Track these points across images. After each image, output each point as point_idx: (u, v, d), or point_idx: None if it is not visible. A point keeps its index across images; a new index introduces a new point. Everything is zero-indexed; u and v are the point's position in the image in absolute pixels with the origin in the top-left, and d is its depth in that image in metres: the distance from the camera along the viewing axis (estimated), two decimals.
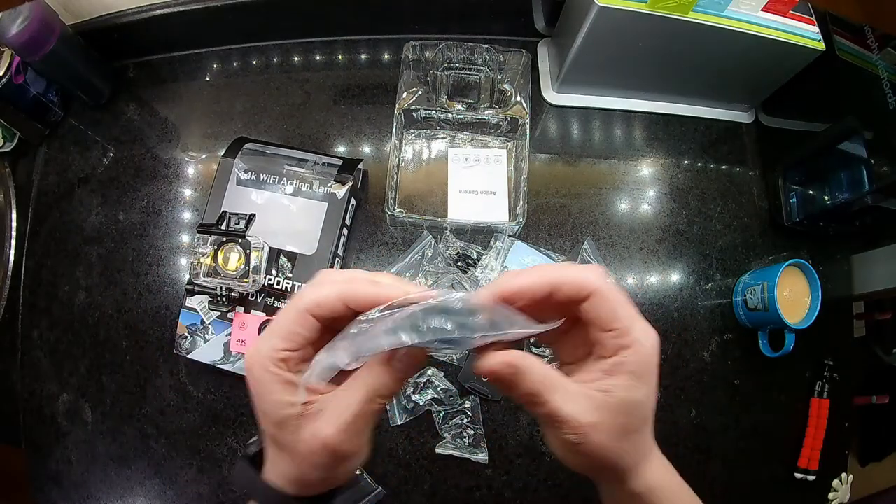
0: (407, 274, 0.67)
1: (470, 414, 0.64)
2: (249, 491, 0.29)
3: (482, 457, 0.63)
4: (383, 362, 0.28)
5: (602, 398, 0.27)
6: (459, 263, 0.67)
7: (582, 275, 0.27)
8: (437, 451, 0.63)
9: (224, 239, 0.61)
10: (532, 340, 0.37)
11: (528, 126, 0.69)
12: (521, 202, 0.66)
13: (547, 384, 0.27)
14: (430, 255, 0.66)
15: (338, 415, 0.27)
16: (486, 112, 0.70)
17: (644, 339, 0.28)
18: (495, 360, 0.27)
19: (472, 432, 0.63)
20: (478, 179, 0.70)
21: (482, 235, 0.69)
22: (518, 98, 0.70)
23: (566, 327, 0.29)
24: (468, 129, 0.72)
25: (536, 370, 0.27)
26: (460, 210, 0.69)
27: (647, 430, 0.31)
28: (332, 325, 0.28)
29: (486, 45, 0.70)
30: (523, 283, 0.27)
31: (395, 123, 0.68)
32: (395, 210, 0.66)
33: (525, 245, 0.67)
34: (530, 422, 0.65)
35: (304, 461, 0.27)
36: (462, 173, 0.71)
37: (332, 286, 0.27)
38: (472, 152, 0.72)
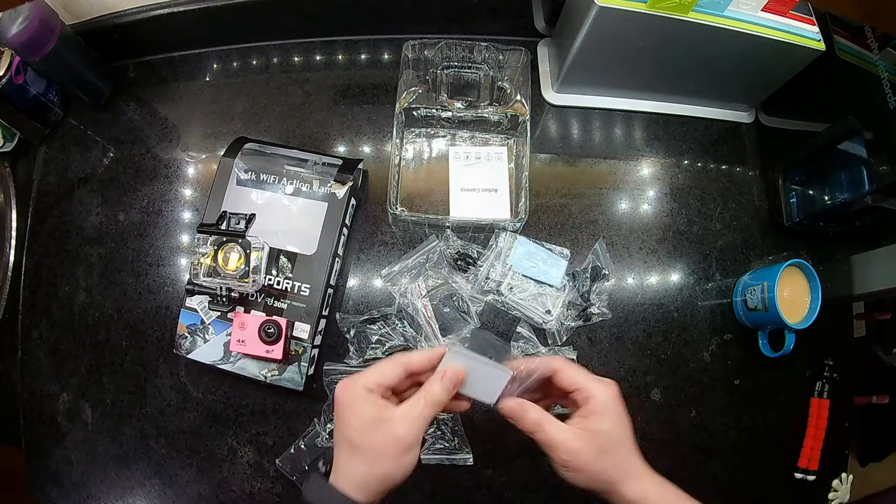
0: (409, 274, 0.67)
1: (448, 417, 0.63)
2: (323, 499, 0.38)
3: (467, 457, 0.63)
4: (437, 379, 0.42)
5: (580, 431, 0.42)
6: (459, 262, 0.67)
7: (546, 362, 0.45)
8: (422, 458, 0.62)
9: (224, 239, 0.61)
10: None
11: (528, 123, 0.69)
12: (523, 199, 0.67)
13: (543, 419, 0.43)
14: (434, 258, 0.66)
15: (405, 417, 0.40)
16: (487, 110, 0.70)
17: (597, 391, 0.43)
18: (512, 401, 0.45)
19: (452, 435, 0.63)
20: (479, 177, 0.70)
21: (483, 234, 0.69)
22: (518, 96, 0.70)
23: (563, 395, 0.45)
24: (468, 127, 0.72)
25: (536, 410, 0.44)
26: (462, 208, 0.69)
27: (626, 452, 0.43)
28: (400, 385, 0.44)
29: (486, 44, 0.70)
30: (521, 365, 0.45)
31: (395, 122, 0.68)
32: (396, 209, 0.66)
33: (527, 239, 0.67)
34: None
35: (378, 454, 0.39)
36: (463, 171, 0.71)
37: (422, 353, 0.44)
38: (472, 150, 0.72)
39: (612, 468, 0.42)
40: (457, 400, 0.45)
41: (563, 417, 0.45)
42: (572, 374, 0.44)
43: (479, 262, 0.66)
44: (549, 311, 0.65)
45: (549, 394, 0.47)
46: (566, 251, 0.68)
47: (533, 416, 0.43)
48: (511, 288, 0.65)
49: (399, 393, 0.45)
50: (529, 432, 0.43)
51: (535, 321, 0.66)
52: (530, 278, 0.66)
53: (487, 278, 0.66)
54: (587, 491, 0.42)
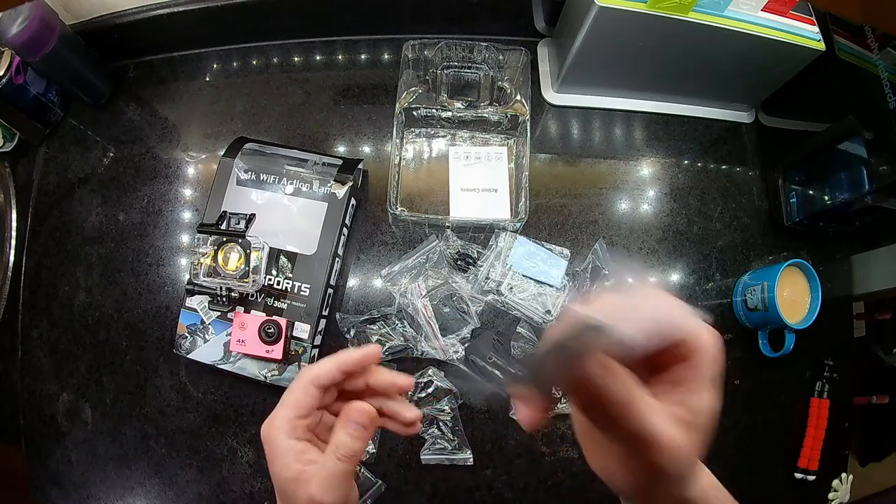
0: (409, 274, 0.67)
1: (449, 418, 0.64)
2: None
3: (466, 456, 0.63)
4: (341, 425, 0.35)
5: (683, 413, 0.25)
6: (459, 262, 0.67)
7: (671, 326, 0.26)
8: (422, 458, 0.63)
9: (224, 239, 0.61)
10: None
11: (528, 123, 0.69)
12: (523, 199, 0.67)
13: (637, 394, 0.23)
14: (434, 258, 0.66)
15: (322, 480, 0.33)
16: (487, 110, 0.70)
17: (707, 341, 0.27)
18: (598, 360, 0.23)
19: (452, 435, 0.63)
20: (479, 177, 0.70)
21: (483, 234, 0.69)
22: (518, 96, 0.70)
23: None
24: (468, 127, 0.72)
25: (621, 375, 0.23)
26: (462, 208, 0.69)
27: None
28: (335, 390, 0.37)
29: (486, 44, 0.70)
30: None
31: (395, 122, 0.68)
32: (396, 209, 0.66)
33: (527, 239, 0.67)
34: None
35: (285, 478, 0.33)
36: (463, 171, 0.71)
37: (327, 361, 0.35)
38: (472, 150, 0.72)
39: (690, 457, 0.25)
40: (407, 427, 0.37)
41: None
42: (684, 319, 0.27)
43: (479, 262, 0.66)
44: (549, 311, 0.65)
45: None
46: (566, 251, 0.68)
47: (622, 381, 0.24)
48: (511, 288, 0.65)
49: (344, 396, 0.38)
50: (615, 407, 0.24)
51: (535, 321, 0.66)
52: (530, 278, 0.66)
53: (487, 278, 0.66)
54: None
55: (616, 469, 0.28)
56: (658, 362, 0.26)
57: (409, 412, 0.37)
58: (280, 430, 0.35)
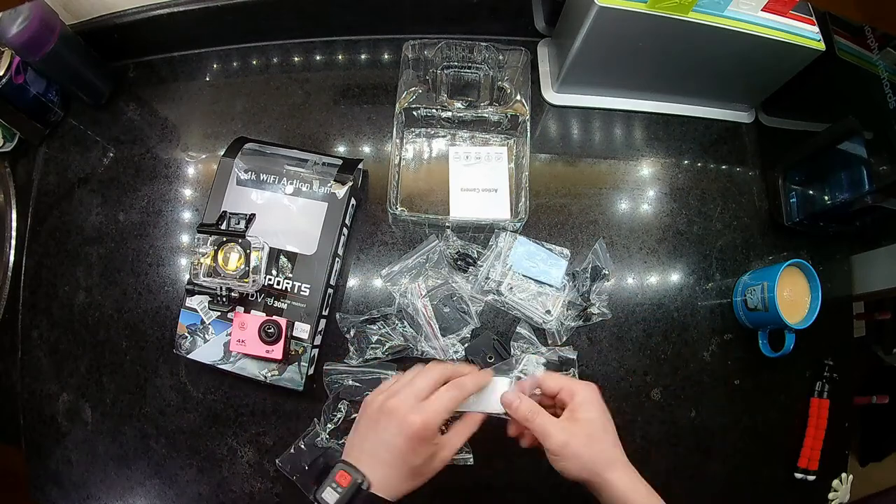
0: (409, 275, 0.67)
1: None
2: None
3: (466, 457, 0.63)
4: (465, 420, 0.51)
5: (569, 422, 0.48)
6: (459, 262, 0.67)
7: (531, 378, 0.51)
8: None
9: (224, 239, 0.61)
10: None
11: (528, 123, 0.69)
12: (523, 199, 0.67)
13: (536, 410, 0.48)
14: (434, 259, 0.66)
15: (451, 447, 0.49)
16: (487, 110, 0.70)
17: (579, 388, 0.49)
18: (510, 394, 0.50)
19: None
20: (479, 177, 0.70)
21: (483, 234, 0.69)
22: (518, 96, 0.70)
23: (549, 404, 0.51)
24: (468, 127, 0.72)
25: (529, 402, 0.49)
26: (462, 208, 0.69)
27: (610, 443, 0.48)
28: None
29: (486, 44, 0.70)
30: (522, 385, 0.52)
31: (395, 122, 0.68)
32: (397, 209, 0.66)
33: (527, 239, 0.67)
34: None
35: (427, 477, 0.47)
36: (463, 171, 0.71)
37: (472, 383, 0.50)
38: (472, 150, 0.72)
39: (600, 455, 0.47)
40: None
41: None
42: (556, 378, 0.50)
43: (479, 262, 0.66)
44: (549, 311, 0.65)
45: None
46: (566, 251, 0.68)
47: (527, 406, 0.48)
48: (511, 288, 0.65)
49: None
50: (524, 421, 0.48)
51: (535, 321, 0.66)
52: (530, 278, 0.66)
53: (487, 278, 0.66)
54: (577, 482, 0.47)
55: (552, 461, 0.48)
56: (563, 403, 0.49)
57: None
58: (436, 426, 0.46)
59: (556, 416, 0.49)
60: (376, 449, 0.45)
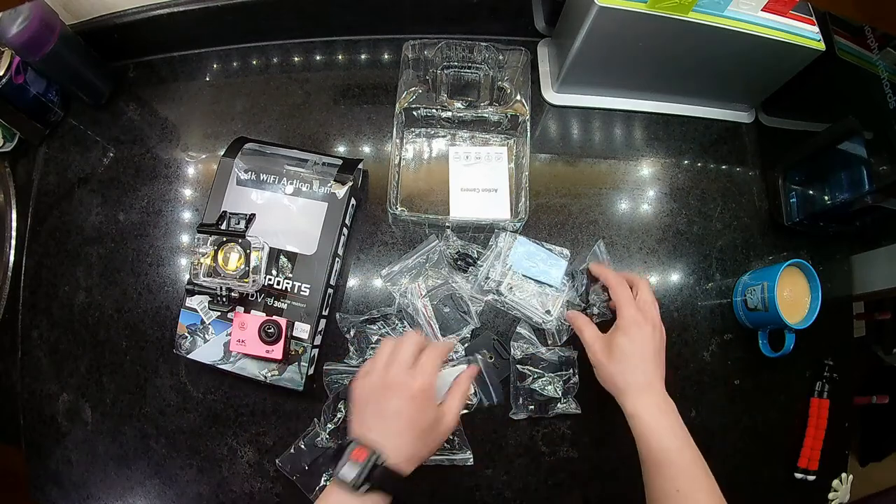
0: (409, 275, 0.67)
1: None
2: (386, 481, 0.45)
3: (466, 456, 0.63)
4: (456, 384, 0.53)
5: (606, 339, 0.57)
6: (459, 262, 0.67)
7: (612, 276, 0.60)
8: None
9: (224, 239, 0.61)
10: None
11: (528, 123, 0.69)
12: (523, 199, 0.67)
13: (586, 324, 0.59)
14: (434, 259, 0.66)
15: (452, 413, 0.51)
16: (487, 110, 0.70)
17: (624, 312, 0.56)
18: (571, 311, 0.63)
19: (452, 435, 0.63)
20: (479, 177, 0.70)
21: (483, 234, 0.69)
22: (518, 96, 0.70)
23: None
24: (468, 127, 0.72)
25: (582, 317, 0.61)
26: (462, 208, 0.69)
27: (633, 368, 0.54)
28: None
29: (486, 44, 0.70)
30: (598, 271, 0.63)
31: (395, 122, 0.68)
32: (397, 209, 0.66)
33: (527, 240, 0.67)
34: (529, 422, 0.65)
35: (438, 443, 0.50)
36: (463, 171, 0.71)
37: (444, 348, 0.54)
38: (472, 150, 0.72)
39: (620, 377, 0.54)
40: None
41: None
42: (618, 293, 0.58)
43: (479, 262, 0.66)
44: (548, 312, 0.65)
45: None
46: (566, 251, 0.68)
47: (582, 320, 0.59)
48: (511, 288, 0.65)
49: None
50: (577, 330, 0.60)
51: (535, 321, 0.66)
52: (530, 278, 0.66)
53: (487, 278, 0.66)
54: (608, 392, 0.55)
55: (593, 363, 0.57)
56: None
57: None
58: (434, 388, 0.49)
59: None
60: (384, 420, 0.47)
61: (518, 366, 0.65)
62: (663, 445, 0.51)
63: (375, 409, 0.48)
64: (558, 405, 0.64)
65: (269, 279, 0.62)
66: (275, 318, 0.61)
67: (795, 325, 0.64)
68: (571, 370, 0.65)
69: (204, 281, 0.60)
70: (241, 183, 0.64)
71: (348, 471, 0.44)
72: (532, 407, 0.64)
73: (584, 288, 0.67)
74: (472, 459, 0.63)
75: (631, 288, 0.59)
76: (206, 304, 0.62)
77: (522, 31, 0.77)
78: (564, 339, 0.66)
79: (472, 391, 0.64)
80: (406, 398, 0.47)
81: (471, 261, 0.67)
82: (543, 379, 0.64)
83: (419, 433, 0.47)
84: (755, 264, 0.73)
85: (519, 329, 0.66)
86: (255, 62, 0.78)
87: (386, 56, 0.77)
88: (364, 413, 0.49)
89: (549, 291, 0.66)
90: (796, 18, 0.63)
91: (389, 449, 0.46)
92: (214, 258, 0.60)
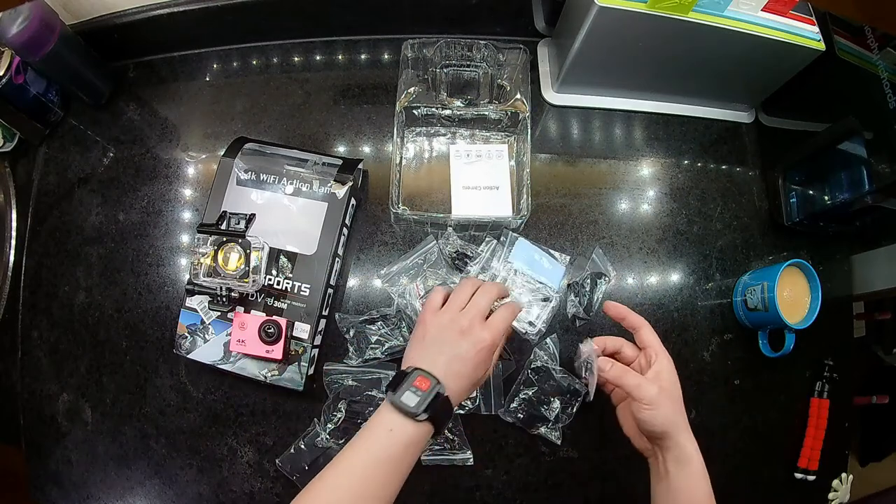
0: (407, 275, 0.67)
1: None
2: (442, 414, 0.47)
3: (466, 456, 0.63)
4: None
5: (657, 383, 0.52)
6: (457, 262, 0.67)
7: (636, 317, 0.57)
8: (422, 458, 0.62)
9: (224, 239, 0.61)
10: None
11: (528, 121, 0.69)
12: (525, 196, 0.66)
13: (626, 370, 0.53)
14: (432, 259, 0.66)
15: (495, 359, 0.53)
16: (487, 108, 0.70)
17: (663, 353, 0.54)
18: (604, 360, 0.55)
19: (452, 435, 0.63)
20: (480, 175, 0.70)
21: (485, 232, 0.69)
22: (518, 94, 0.70)
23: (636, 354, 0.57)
24: (469, 125, 0.72)
25: (618, 366, 0.54)
26: (464, 206, 0.69)
27: (682, 408, 0.52)
28: None
29: (485, 42, 0.70)
30: (619, 312, 0.58)
31: (396, 121, 0.68)
32: (399, 208, 0.66)
33: (528, 242, 0.67)
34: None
35: (481, 384, 0.54)
36: (464, 169, 0.71)
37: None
38: (473, 148, 0.72)
39: (677, 415, 0.51)
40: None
41: None
42: (649, 334, 0.55)
43: (472, 263, 0.66)
44: (531, 324, 0.65)
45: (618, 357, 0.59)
46: (565, 257, 0.68)
47: (619, 368, 0.54)
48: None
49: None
50: (616, 379, 0.53)
51: (519, 331, 0.64)
52: (531, 276, 0.66)
53: (479, 278, 0.66)
54: (653, 435, 0.51)
55: (636, 419, 0.52)
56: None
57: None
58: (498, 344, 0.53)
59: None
60: (450, 361, 0.49)
61: (530, 371, 0.65)
62: (708, 490, 0.50)
63: (446, 348, 0.50)
64: (543, 427, 0.64)
65: (269, 279, 0.62)
66: (275, 318, 0.61)
67: (795, 325, 0.64)
68: (574, 402, 0.64)
69: (204, 281, 0.60)
70: (241, 183, 0.64)
71: (410, 397, 0.46)
72: (521, 416, 0.64)
73: (585, 300, 0.67)
74: (472, 459, 0.63)
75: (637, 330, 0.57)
76: (206, 304, 0.62)
77: (522, 31, 0.77)
78: (580, 378, 0.62)
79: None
80: (476, 347, 0.50)
81: (468, 260, 0.67)
82: (545, 396, 0.64)
83: (474, 382, 0.51)
84: (755, 264, 0.73)
85: (548, 340, 0.65)
86: (255, 62, 0.78)
87: (386, 56, 0.77)
88: (431, 347, 0.51)
89: (537, 303, 0.65)
90: (796, 18, 0.63)
91: (450, 386, 0.48)
92: (214, 258, 0.60)
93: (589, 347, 0.56)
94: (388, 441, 0.46)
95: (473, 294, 0.54)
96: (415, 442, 0.46)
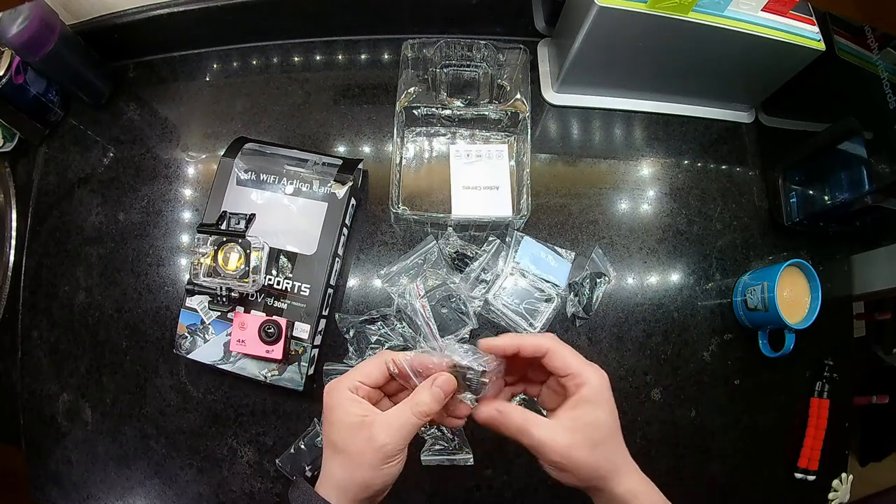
0: (407, 275, 0.67)
1: None
2: (304, 502, 0.38)
3: (467, 457, 0.63)
4: (427, 386, 0.40)
5: (572, 424, 0.39)
6: (457, 262, 0.67)
7: (537, 340, 0.40)
8: (422, 459, 0.63)
9: (224, 239, 0.61)
10: (526, 397, 0.49)
11: (528, 121, 0.69)
12: (525, 196, 0.66)
13: (528, 421, 0.39)
14: (432, 259, 0.66)
15: (388, 424, 0.38)
16: (487, 108, 0.70)
17: (592, 377, 0.40)
18: (489, 408, 0.41)
19: (452, 435, 0.63)
20: (480, 175, 0.70)
21: (485, 232, 0.69)
22: (518, 94, 0.70)
23: (543, 379, 0.43)
24: (469, 125, 0.72)
25: (518, 412, 0.40)
26: (464, 206, 0.69)
27: (617, 445, 0.40)
28: (389, 387, 0.43)
29: (485, 42, 0.70)
30: (499, 344, 0.40)
31: (396, 121, 0.68)
32: (399, 208, 0.66)
33: (534, 241, 0.67)
34: None
35: (358, 461, 0.38)
36: (464, 169, 0.71)
37: (405, 355, 0.41)
38: (473, 148, 0.72)
39: (605, 462, 0.39)
40: (451, 416, 0.42)
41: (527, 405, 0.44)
42: (565, 357, 0.40)
43: (471, 263, 0.66)
44: (532, 325, 0.65)
45: (527, 378, 0.44)
46: (570, 253, 0.68)
47: (517, 421, 0.39)
48: (496, 296, 0.65)
49: (392, 395, 0.43)
50: (514, 437, 0.40)
51: (519, 332, 0.64)
52: (537, 275, 0.66)
53: (479, 279, 0.66)
54: (576, 488, 0.40)
55: (550, 472, 0.40)
56: (565, 394, 0.40)
57: (465, 409, 0.42)
58: (346, 387, 0.40)
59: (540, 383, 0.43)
60: (323, 439, 0.42)
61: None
62: None
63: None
64: (521, 393, 0.64)
65: (269, 279, 0.62)
66: (275, 318, 0.61)
67: (795, 325, 0.64)
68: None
69: (204, 281, 0.60)
70: (241, 183, 0.64)
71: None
72: None
73: (585, 299, 0.66)
74: (472, 459, 0.63)
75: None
76: (206, 304, 0.62)
77: (522, 32, 0.77)
78: None
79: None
80: (324, 409, 0.41)
81: (468, 261, 0.67)
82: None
83: (332, 450, 0.40)
84: (755, 264, 0.73)
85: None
86: (255, 62, 0.78)
87: (386, 56, 0.77)
88: None
89: (538, 306, 0.65)
90: (796, 18, 0.63)
91: (323, 475, 0.40)
92: (214, 258, 0.60)
93: (479, 361, 0.40)
94: None
95: None
96: None
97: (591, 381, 0.39)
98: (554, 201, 0.72)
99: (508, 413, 0.40)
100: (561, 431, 0.38)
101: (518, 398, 0.50)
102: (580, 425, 0.39)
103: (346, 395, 0.40)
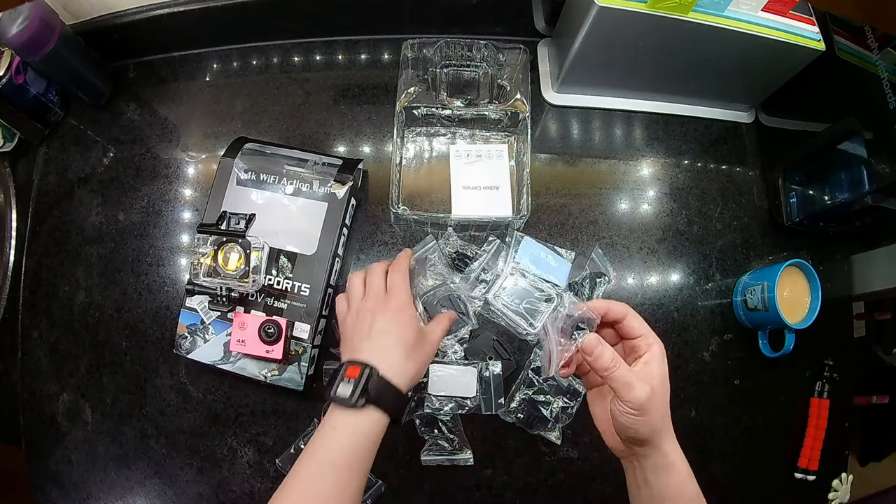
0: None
1: (448, 418, 0.64)
2: (383, 394, 0.45)
3: (467, 457, 0.63)
4: (440, 317, 0.56)
5: (649, 383, 0.41)
6: (457, 262, 0.67)
7: (619, 306, 0.45)
8: (422, 459, 0.63)
9: (224, 239, 0.61)
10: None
11: (528, 121, 0.69)
12: (525, 196, 0.66)
13: (619, 361, 0.42)
14: (433, 259, 0.66)
15: (434, 334, 0.53)
16: (487, 108, 0.70)
17: (656, 341, 0.44)
18: (593, 336, 0.43)
19: (452, 435, 0.63)
20: (480, 175, 0.70)
21: (485, 232, 0.69)
22: (518, 94, 0.70)
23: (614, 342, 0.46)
24: (469, 125, 0.72)
25: (611, 349, 0.43)
26: (464, 206, 0.69)
27: (667, 408, 0.43)
28: None
29: (485, 42, 0.70)
30: (598, 305, 0.45)
31: (396, 121, 0.68)
32: (399, 208, 0.66)
33: (534, 241, 0.67)
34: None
35: (424, 363, 0.50)
36: (464, 169, 0.70)
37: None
38: (473, 148, 0.72)
39: (664, 419, 0.42)
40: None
41: None
42: (640, 321, 0.45)
43: (471, 263, 0.66)
44: (532, 325, 0.65)
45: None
46: (570, 253, 0.68)
47: (610, 355, 0.42)
48: (497, 296, 0.65)
49: None
50: (602, 370, 0.42)
51: (519, 332, 0.64)
52: (538, 275, 0.66)
53: (479, 279, 0.66)
54: (632, 442, 0.42)
55: (606, 415, 0.45)
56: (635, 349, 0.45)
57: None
58: (410, 294, 0.51)
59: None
60: (372, 342, 0.48)
61: (530, 371, 0.65)
62: (695, 492, 0.45)
63: (362, 333, 0.49)
64: (542, 430, 0.64)
65: (269, 279, 0.62)
66: (275, 318, 0.61)
67: (795, 325, 0.64)
68: (574, 401, 0.64)
69: (204, 281, 0.60)
70: (241, 183, 0.64)
71: (344, 389, 0.44)
72: (521, 416, 0.64)
73: (585, 298, 0.66)
74: (472, 459, 0.63)
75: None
76: (206, 304, 0.62)
77: (522, 32, 0.77)
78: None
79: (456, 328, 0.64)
80: (389, 317, 0.49)
81: (468, 261, 0.67)
82: (544, 397, 0.64)
83: (408, 348, 0.48)
84: (755, 264, 0.73)
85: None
86: (255, 62, 0.78)
87: (386, 56, 0.77)
88: (353, 341, 0.50)
89: (539, 307, 0.65)
90: (796, 18, 0.63)
91: (383, 364, 0.46)
92: (214, 258, 0.60)
93: (583, 312, 0.45)
94: (334, 439, 0.44)
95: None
96: (363, 433, 0.44)
97: (659, 343, 0.44)
98: (554, 201, 0.72)
99: (605, 349, 0.43)
100: (640, 380, 0.41)
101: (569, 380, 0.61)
102: (656, 377, 0.42)
103: (411, 299, 0.51)
